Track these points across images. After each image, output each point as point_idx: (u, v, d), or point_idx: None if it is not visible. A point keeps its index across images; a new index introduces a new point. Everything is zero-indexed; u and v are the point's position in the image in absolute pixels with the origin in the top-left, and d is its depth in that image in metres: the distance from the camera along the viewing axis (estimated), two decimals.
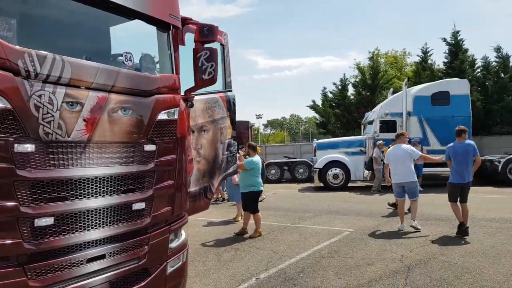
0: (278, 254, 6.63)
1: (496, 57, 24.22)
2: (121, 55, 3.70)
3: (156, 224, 3.70)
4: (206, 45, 4.31)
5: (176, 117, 3.90)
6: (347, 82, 29.81)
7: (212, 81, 4.34)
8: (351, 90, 29.58)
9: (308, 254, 6.55)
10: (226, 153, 5.46)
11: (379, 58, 32.11)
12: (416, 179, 8.52)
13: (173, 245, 3.88)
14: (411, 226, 8.10)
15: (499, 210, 10.07)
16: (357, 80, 29.88)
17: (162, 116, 3.73)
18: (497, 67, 24.08)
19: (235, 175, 9.37)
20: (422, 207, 10.34)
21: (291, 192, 16.60)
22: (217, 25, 4.56)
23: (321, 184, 16.96)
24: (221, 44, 5.55)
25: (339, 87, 29.70)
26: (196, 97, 4.66)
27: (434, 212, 9.76)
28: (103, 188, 3.18)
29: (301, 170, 21.35)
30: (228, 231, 8.68)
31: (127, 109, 3.38)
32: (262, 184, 8.39)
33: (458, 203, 7.66)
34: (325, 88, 30.68)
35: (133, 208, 3.41)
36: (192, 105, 4.58)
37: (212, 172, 5.16)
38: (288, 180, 21.41)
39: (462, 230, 7.42)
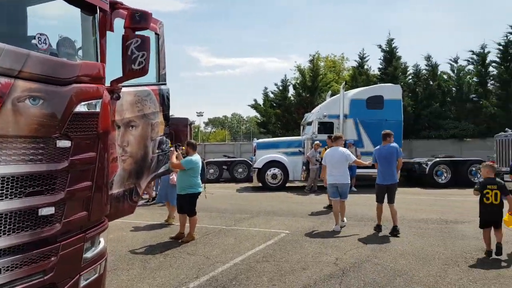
0: (210, 259, 6.30)
1: (426, 65, 25.89)
2: (35, 37, 3.20)
3: (68, 232, 3.20)
4: (137, 33, 3.93)
5: (98, 109, 3.46)
6: (288, 83, 30.24)
7: (143, 72, 3.97)
8: (291, 91, 30.10)
9: (243, 259, 6.29)
10: (157, 151, 5.04)
11: (319, 62, 32.90)
12: (349, 182, 8.79)
13: (88, 255, 3.41)
14: (341, 226, 8.40)
15: (427, 211, 10.53)
16: (298, 81, 30.39)
17: (81, 108, 3.29)
18: (426, 75, 25.74)
19: (173, 175, 8.90)
20: (356, 207, 10.60)
21: (229, 192, 16.34)
22: (151, 12, 4.19)
23: (260, 184, 16.94)
24: (156, 34, 5.17)
25: (280, 88, 30.05)
26: (124, 89, 4.23)
27: (367, 213, 9.96)
28: (2, 190, 2.69)
29: (240, 170, 21.20)
30: (159, 235, 8.15)
31: (37, 98, 2.90)
32: (201, 185, 7.94)
33: (386, 204, 7.95)
34: (266, 88, 30.94)
35: (40, 214, 2.92)
36: (118, 97, 4.15)
37: (140, 172, 4.72)
38: (227, 179, 21.16)
39: (391, 231, 7.78)
